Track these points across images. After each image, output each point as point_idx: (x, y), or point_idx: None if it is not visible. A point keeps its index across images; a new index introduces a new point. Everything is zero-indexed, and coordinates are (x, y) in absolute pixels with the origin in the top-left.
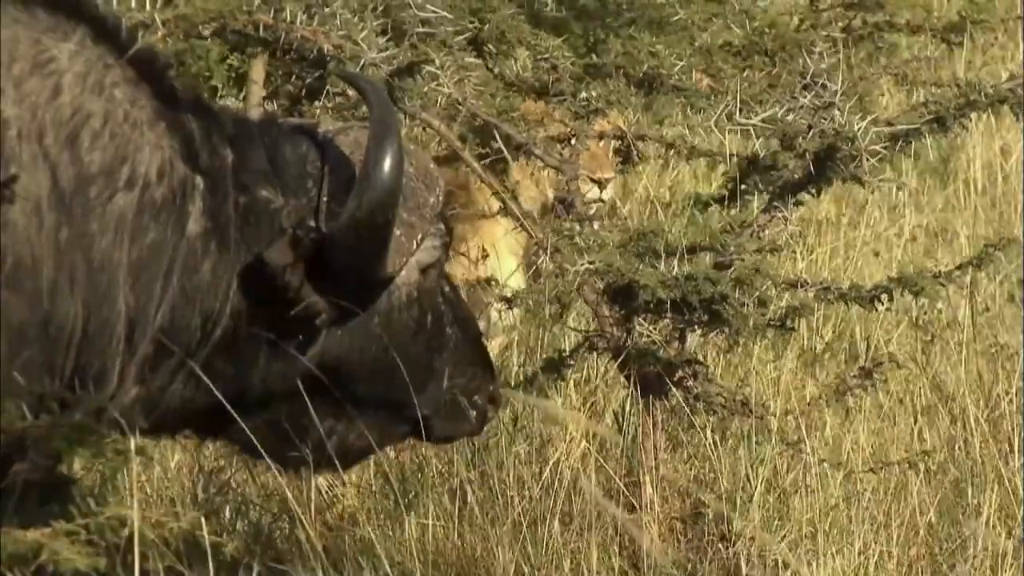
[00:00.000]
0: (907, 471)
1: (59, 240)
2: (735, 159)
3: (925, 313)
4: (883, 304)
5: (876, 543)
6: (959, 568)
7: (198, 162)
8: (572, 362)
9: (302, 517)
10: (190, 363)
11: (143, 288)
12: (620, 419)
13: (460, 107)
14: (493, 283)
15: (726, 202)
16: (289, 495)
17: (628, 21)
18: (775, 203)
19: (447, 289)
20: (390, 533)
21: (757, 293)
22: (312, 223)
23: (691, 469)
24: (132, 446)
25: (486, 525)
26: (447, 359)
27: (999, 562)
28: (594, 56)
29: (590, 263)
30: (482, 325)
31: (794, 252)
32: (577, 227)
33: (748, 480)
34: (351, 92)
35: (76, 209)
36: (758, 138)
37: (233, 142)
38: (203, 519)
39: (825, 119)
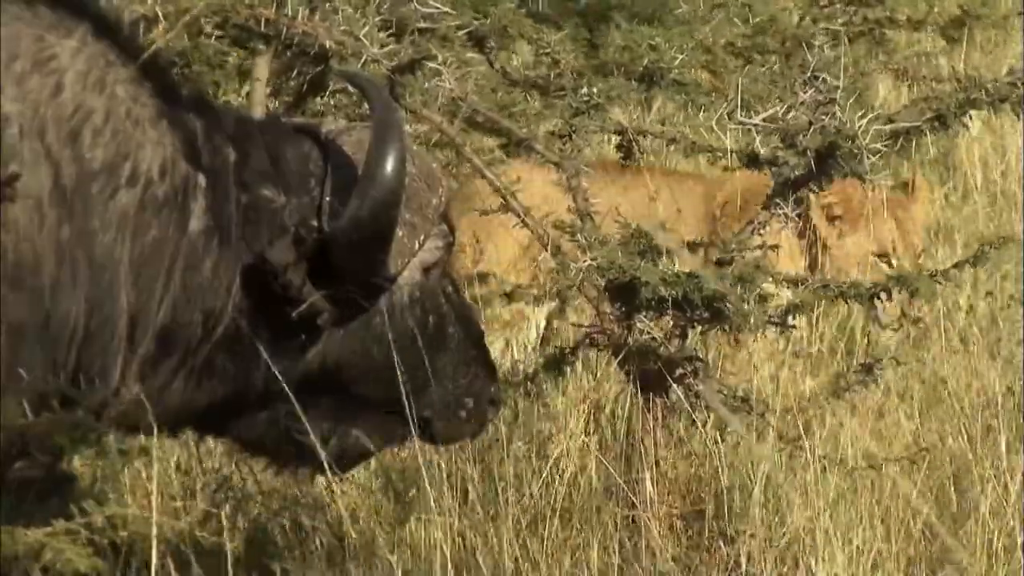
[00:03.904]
0: (906, 468)
1: (60, 237)
2: (735, 155)
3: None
4: (882, 302)
5: (875, 540)
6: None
7: (200, 160)
8: (573, 359)
9: (302, 516)
10: (191, 361)
11: (145, 286)
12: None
13: (461, 103)
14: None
15: None
16: (289, 494)
17: (629, 16)
18: (776, 200)
19: (449, 289)
20: (391, 531)
21: (758, 290)
22: (314, 222)
23: (691, 466)
24: (136, 445)
25: (487, 522)
26: (449, 360)
27: (995, 559)
28: (598, 52)
29: (593, 259)
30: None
31: None
32: (579, 223)
33: (747, 477)
34: (353, 89)
35: (77, 206)
36: (759, 135)
37: (235, 141)
38: (203, 518)
39: (825, 115)
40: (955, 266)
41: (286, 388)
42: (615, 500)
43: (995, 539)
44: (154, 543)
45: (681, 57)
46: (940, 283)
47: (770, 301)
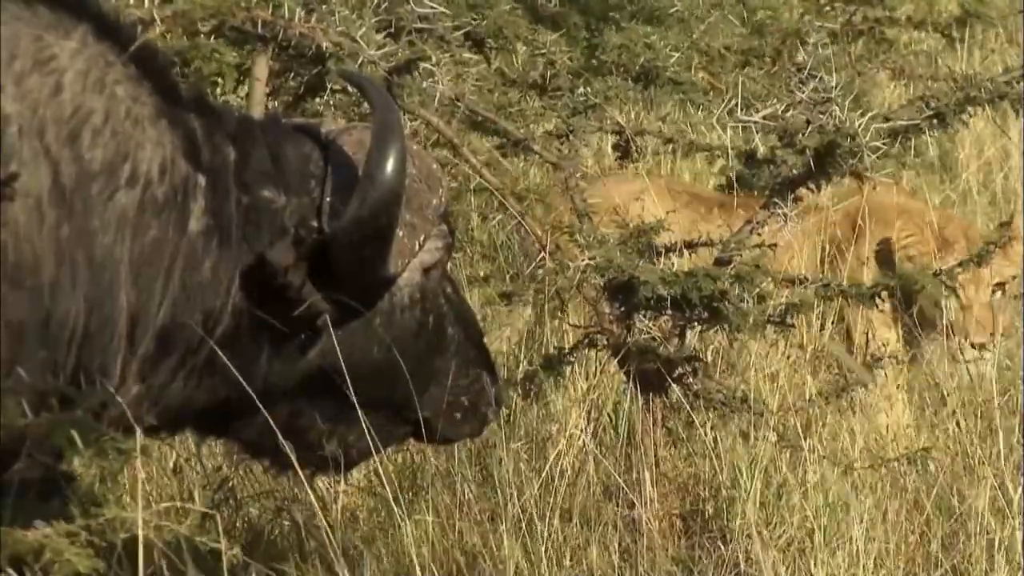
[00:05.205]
0: (905, 467)
1: (60, 237)
2: (732, 154)
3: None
4: (884, 301)
5: (875, 540)
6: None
7: (200, 160)
8: (572, 359)
9: (301, 517)
10: (191, 361)
11: (144, 285)
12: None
13: (459, 104)
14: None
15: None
16: (288, 495)
17: (629, 15)
18: (774, 199)
19: (449, 290)
20: (390, 532)
21: (757, 289)
22: (314, 223)
23: (690, 466)
24: (137, 446)
25: (486, 522)
26: (449, 360)
27: (993, 555)
28: (596, 52)
29: (591, 259)
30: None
31: None
32: (576, 223)
33: (746, 476)
34: (352, 89)
35: (77, 206)
36: (758, 133)
37: (235, 140)
38: (202, 519)
39: (823, 114)
40: (959, 264)
41: (255, 399)
42: (614, 500)
43: (995, 539)
44: (140, 544)
45: (677, 56)
46: (944, 282)
47: (768, 300)
